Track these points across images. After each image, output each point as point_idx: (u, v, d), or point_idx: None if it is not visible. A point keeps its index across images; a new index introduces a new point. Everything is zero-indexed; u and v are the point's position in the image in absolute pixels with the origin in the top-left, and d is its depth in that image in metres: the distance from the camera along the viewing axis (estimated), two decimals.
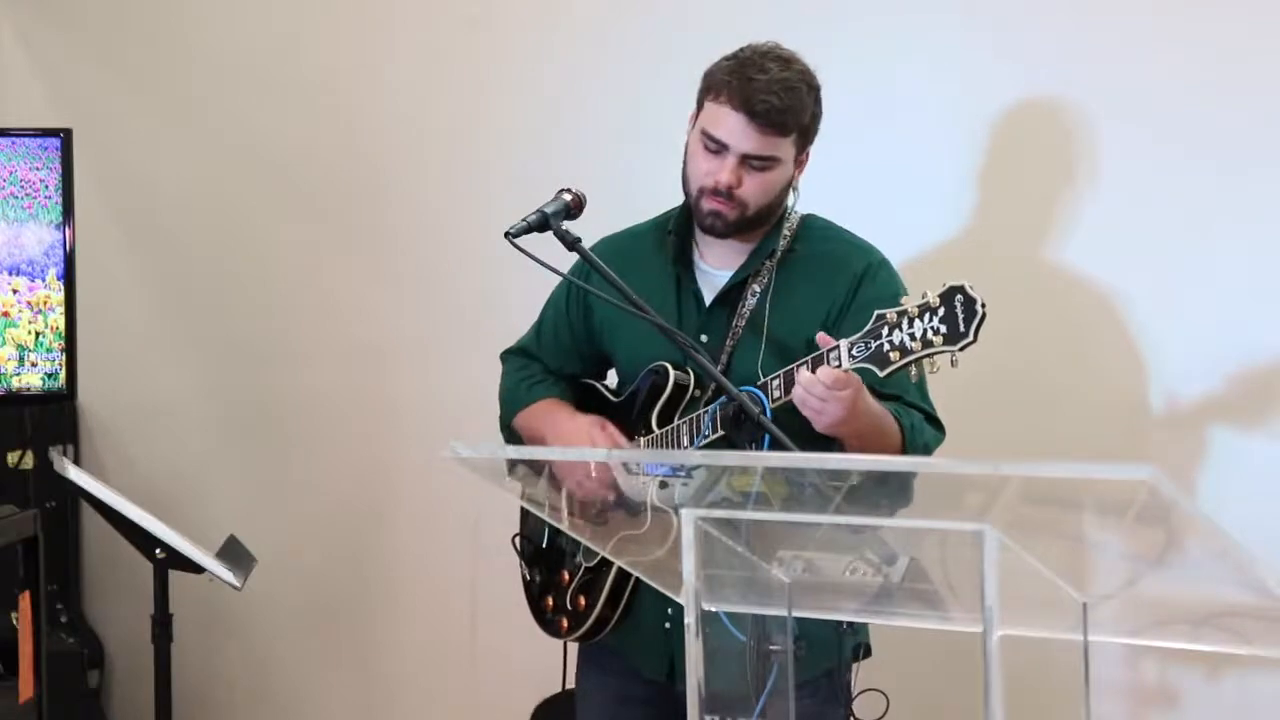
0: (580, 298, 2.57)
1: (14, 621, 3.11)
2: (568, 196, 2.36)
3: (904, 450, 2.29)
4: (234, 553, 3.07)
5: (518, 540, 2.65)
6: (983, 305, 1.98)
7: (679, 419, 2.38)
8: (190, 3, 4.00)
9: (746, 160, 2.33)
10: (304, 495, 3.88)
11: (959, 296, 2.00)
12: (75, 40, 4.06)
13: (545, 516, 2.32)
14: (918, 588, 1.80)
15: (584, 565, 2.50)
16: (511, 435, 2.63)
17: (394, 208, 3.76)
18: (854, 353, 2.11)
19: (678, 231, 2.49)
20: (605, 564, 2.44)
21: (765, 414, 2.17)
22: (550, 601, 2.56)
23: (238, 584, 3.00)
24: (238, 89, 3.90)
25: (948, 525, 1.65)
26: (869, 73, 3.16)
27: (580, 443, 2.41)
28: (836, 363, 2.13)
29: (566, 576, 2.53)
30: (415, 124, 3.72)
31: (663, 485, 1.91)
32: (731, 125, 2.32)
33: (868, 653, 2.39)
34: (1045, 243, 3.05)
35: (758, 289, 2.42)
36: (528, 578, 2.64)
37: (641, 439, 2.42)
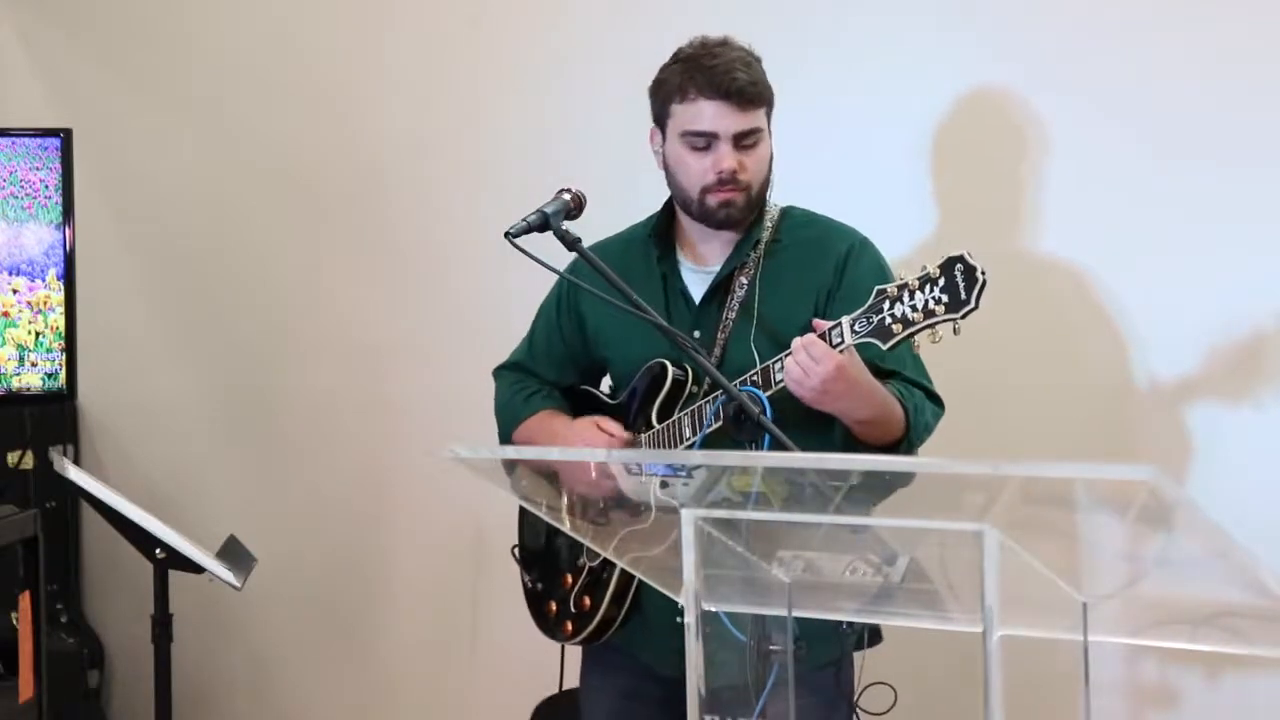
0: (572, 306, 2.58)
1: (14, 621, 3.11)
2: (567, 196, 2.37)
3: (908, 432, 2.31)
4: (234, 553, 3.07)
5: (516, 550, 2.67)
6: (983, 272, 2.00)
7: (679, 413, 2.39)
8: (190, 3, 4.00)
9: (738, 142, 2.37)
10: (304, 495, 3.88)
11: (959, 265, 2.02)
12: (75, 40, 4.06)
13: (546, 517, 2.31)
14: (918, 588, 1.80)
15: (588, 565, 2.50)
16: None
17: (394, 208, 3.76)
18: (856, 328, 2.12)
19: (661, 233, 2.50)
20: (609, 562, 2.44)
21: (765, 414, 2.17)
22: (554, 606, 2.56)
23: (238, 584, 3.00)
24: (238, 89, 3.90)
25: (948, 525, 1.65)
26: (862, 71, 3.17)
27: (578, 445, 2.42)
28: (839, 340, 2.14)
29: (569, 579, 2.53)
30: (415, 124, 3.72)
31: (664, 485, 1.91)
32: (713, 113, 2.35)
33: (876, 639, 2.38)
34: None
35: (745, 280, 2.43)
36: (529, 585, 2.64)
37: (643, 435, 2.43)
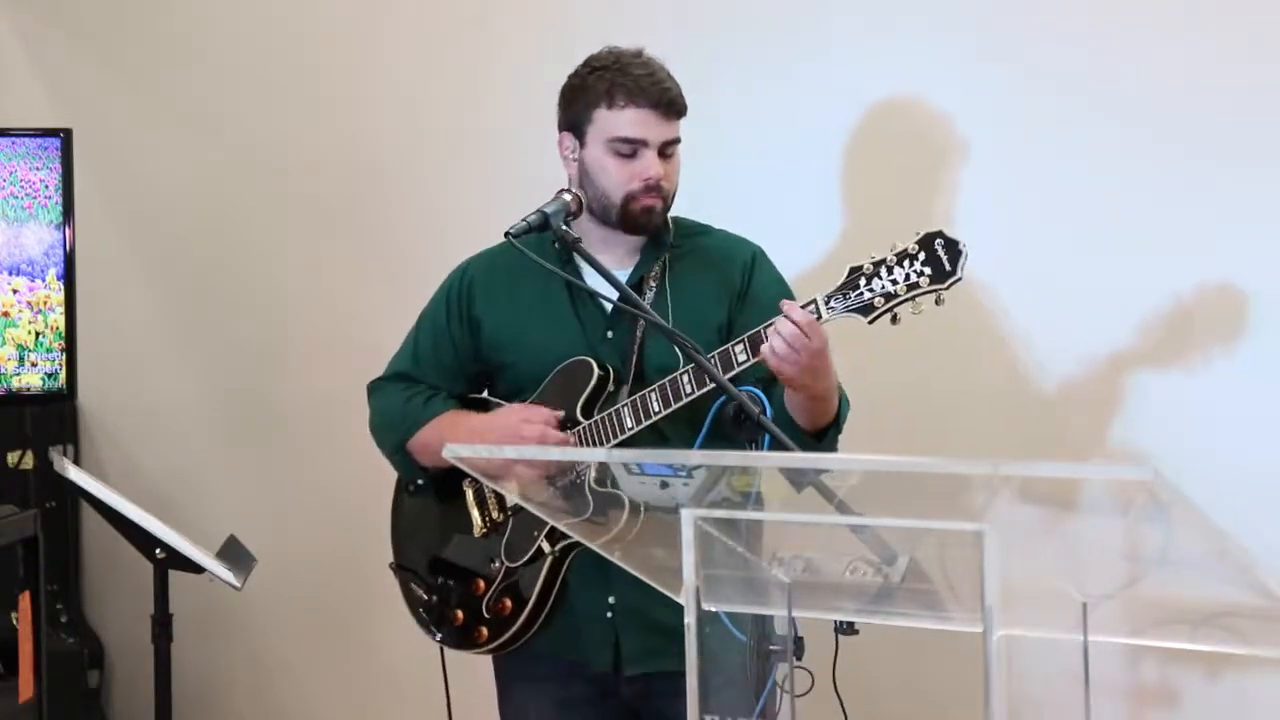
0: (463, 311, 2.57)
1: (14, 621, 3.10)
2: (568, 196, 2.38)
3: (838, 420, 2.38)
4: (234, 553, 3.07)
5: (396, 568, 2.65)
6: (964, 245, 2.12)
7: (599, 412, 2.40)
8: (190, 3, 4.00)
9: (662, 150, 2.42)
10: (304, 495, 3.88)
11: (939, 240, 2.13)
12: (75, 40, 4.06)
13: (546, 517, 2.32)
14: (918, 588, 1.80)
15: (506, 566, 2.48)
16: (407, 458, 2.60)
17: (394, 208, 3.76)
18: (832, 305, 2.19)
19: (561, 241, 2.46)
20: (534, 561, 2.45)
21: (765, 414, 2.17)
22: (460, 614, 2.53)
23: (238, 584, 3.00)
24: (238, 89, 3.90)
25: (948, 525, 1.65)
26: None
27: (517, 425, 2.41)
28: (815, 315, 2.19)
29: (482, 584, 2.51)
30: (415, 124, 3.72)
31: (664, 485, 1.91)
32: (644, 121, 2.40)
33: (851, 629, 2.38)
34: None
35: (654, 284, 2.47)
36: (423, 596, 2.59)
37: (571, 431, 2.42)
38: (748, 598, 1.88)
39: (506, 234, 2.29)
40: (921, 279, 2.13)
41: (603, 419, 2.40)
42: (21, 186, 3.54)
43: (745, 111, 3.18)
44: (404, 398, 2.61)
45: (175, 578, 3.00)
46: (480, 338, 2.56)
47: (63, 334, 3.54)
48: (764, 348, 2.21)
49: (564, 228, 2.34)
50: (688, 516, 1.79)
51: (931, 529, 1.72)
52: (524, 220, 2.31)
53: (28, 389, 3.55)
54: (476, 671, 2.67)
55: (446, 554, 2.58)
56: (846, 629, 2.02)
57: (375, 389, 2.69)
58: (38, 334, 3.54)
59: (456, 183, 3.67)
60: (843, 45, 3.16)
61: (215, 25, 3.94)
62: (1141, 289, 2.89)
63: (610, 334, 2.46)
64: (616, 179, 2.41)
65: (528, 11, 3.60)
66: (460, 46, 3.67)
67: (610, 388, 2.42)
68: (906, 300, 2.14)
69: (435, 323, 2.62)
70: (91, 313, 3.67)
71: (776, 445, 2.13)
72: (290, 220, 3.89)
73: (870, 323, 2.17)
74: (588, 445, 2.39)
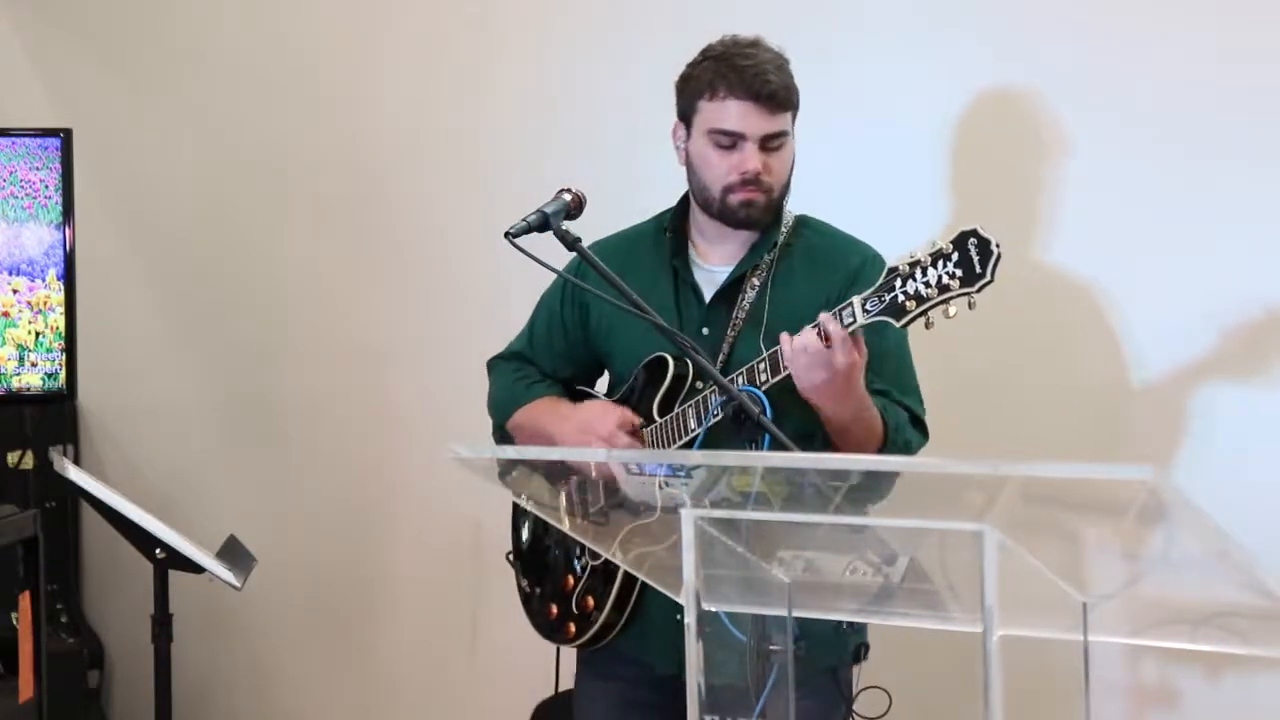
0: (575, 299, 2.57)
1: (14, 621, 3.11)
2: (568, 196, 2.36)
3: (884, 448, 2.30)
4: (234, 553, 3.07)
5: (511, 558, 2.66)
6: (997, 245, 2.01)
7: (680, 407, 2.39)
8: (190, 3, 4.00)
9: (764, 144, 2.37)
10: (304, 495, 3.88)
11: (972, 240, 2.03)
12: (75, 40, 4.06)
13: (546, 517, 2.32)
14: (918, 588, 1.80)
15: (590, 565, 2.49)
16: (504, 437, 2.62)
17: (394, 208, 3.76)
18: (867, 307, 2.12)
19: (675, 230, 2.50)
20: (611, 562, 2.44)
21: (765, 414, 2.17)
22: (554, 609, 2.54)
23: (238, 584, 3.00)
24: (238, 89, 3.90)
25: (948, 525, 1.65)
26: (858, 72, 3.17)
27: (592, 420, 2.41)
28: (850, 319, 2.14)
29: (570, 581, 2.52)
30: (415, 124, 3.72)
31: (664, 485, 1.91)
32: (742, 114, 2.35)
33: (866, 653, 2.40)
34: (1030, 241, 3.05)
35: (756, 282, 2.43)
36: (526, 589, 2.62)
37: (644, 429, 2.42)
38: (748, 598, 1.88)
39: (506, 234, 2.29)
40: (953, 281, 2.03)
41: (669, 420, 2.38)
42: (21, 186, 3.54)
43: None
44: (513, 379, 2.62)
45: (175, 578, 3.01)
46: (588, 325, 2.57)
47: (63, 334, 3.54)
48: (782, 354, 2.18)
49: (563, 228, 2.33)
50: (688, 516, 1.79)
51: (931, 529, 1.72)
52: (524, 220, 2.30)
53: (28, 389, 3.55)
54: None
55: (546, 547, 2.59)
56: (847, 628, 2.03)
57: (492, 366, 2.69)
58: (38, 334, 3.54)
59: (456, 183, 3.67)
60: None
61: (216, 25, 3.94)
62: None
63: (705, 330, 2.44)
64: (716, 171, 2.39)
65: (528, 11, 3.60)
66: (460, 47, 3.67)
67: (697, 384, 2.39)
68: (939, 304, 2.05)
69: (550, 307, 2.62)
70: (91, 313, 3.67)
71: (776, 445, 2.13)
72: (290, 220, 3.89)
73: (900, 326, 2.09)
74: (657, 445, 2.37)
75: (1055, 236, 3.02)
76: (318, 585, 3.88)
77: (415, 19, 3.72)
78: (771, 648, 1.89)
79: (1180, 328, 2.89)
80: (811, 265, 2.45)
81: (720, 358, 2.39)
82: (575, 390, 2.62)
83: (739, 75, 2.35)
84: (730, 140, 2.37)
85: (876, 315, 2.11)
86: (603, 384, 2.64)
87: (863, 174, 3.15)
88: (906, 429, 2.36)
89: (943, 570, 1.79)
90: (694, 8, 3.31)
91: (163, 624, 2.99)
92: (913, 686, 2.42)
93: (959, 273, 2.03)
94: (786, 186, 2.44)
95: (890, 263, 2.12)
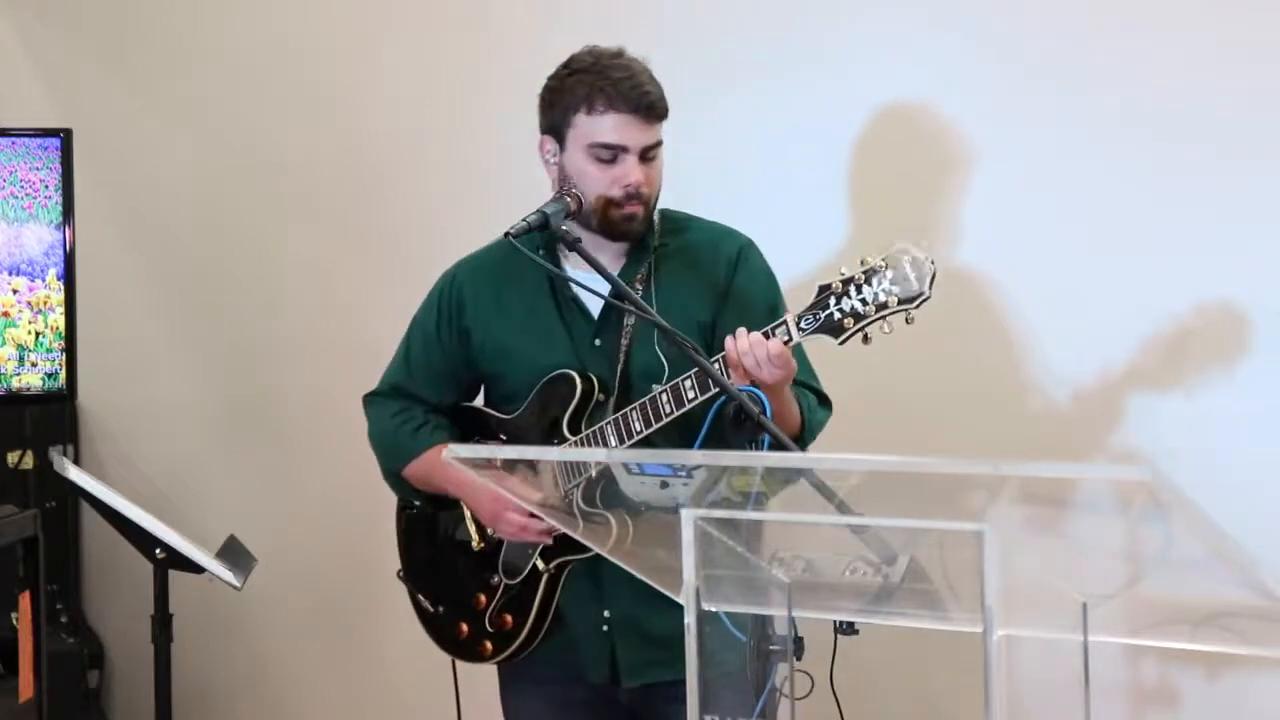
0: (453, 320, 2.55)
1: (14, 621, 3.11)
2: (568, 197, 2.36)
3: (801, 431, 2.35)
4: (234, 553, 3.07)
5: (402, 576, 2.65)
6: (933, 261, 2.06)
7: (586, 426, 2.38)
8: (190, 3, 4.00)
9: (643, 154, 2.37)
10: (304, 495, 3.88)
11: (907, 257, 2.07)
12: (75, 40, 4.06)
13: (547, 516, 2.31)
14: (918, 588, 1.80)
15: (504, 583, 2.48)
16: (397, 482, 2.61)
17: (394, 208, 3.76)
18: (802, 325, 2.16)
19: (547, 248, 2.46)
20: (532, 578, 2.45)
21: (765, 414, 2.17)
22: (465, 628, 2.53)
23: (238, 584, 3.00)
24: (238, 89, 3.90)
25: (948, 525, 1.65)
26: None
27: (493, 515, 2.43)
28: (786, 337, 2.17)
29: (483, 599, 2.51)
30: (415, 124, 3.72)
31: (664, 485, 1.91)
32: (623, 126, 2.35)
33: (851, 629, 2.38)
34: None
35: (640, 287, 2.43)
36: (431, 609, 2.61)
37: (558, 447, 2.40)
38: (748, 598, 1.88)
39: (506, 234, 2.29)
40: (890, 298, 2.07)
41: (587, 437, 2.38)
42: (21, 186, 3.54)
43: (750, 112, 3.17)
44: (395, 423, 2.59)
45: (175, 578, 3.01)
46: (470, 347, 2.54)
47: (63, 334, 3.54)
48: (731, 350, 2.19)
49: (564, 228, 2.33)
50: (688, 516, 1.79)
51: (931, 529, 1.72)
52: (524, 220, 2.31)
53: (28, 389, 3.55)
54: (484, 675, 2.67)
55: (448, 568, 2.58)
56: (846, 629, 2.02)
57: (369, 403, 2.68)
58: (38, 334, 3.54)
59: (456, 183, 3.67)
60: (847, 47, 3.16)
61: (215, 25, 3.94)
62: (1150, 292, 2.88)
63: (598, 341, 2.44)
64: (596, 185, 2.37)
65: (527, 11, 3.60)
66: (460, 46, 3.67)
67: (600, 396, 2.40)
68: (876, 320, 2.09)
69: (425, 331, 2.60)
70: (91, 313, 3.67)
71: (776, 445, 2.13)
72: (290, 220, 3.89)
73: (840, 344, 2.13)
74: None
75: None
76: (318, 585, 3.88)
77: (415, 19, 3.72)
78: (771, 648, 1.89)
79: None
80: (690, 263, 2.47)
81: (619, 366, 2.39)
82: (461, 410, 2.60)
83: (616, 88, 2.34)
84: (611, 154, 2.36)
85: (813, 332, 2.15)
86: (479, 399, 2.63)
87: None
88: (817, 411, 2.42)
89: (943, 570, 1.79)
90: (693, 7, 3.31)
91: (163, 624, 2.98)
92: (912, 687, 2.42)
93: (895, 290, 2.07)
94: (658, 194, 2.44)
95: (822, 280, 2.15)
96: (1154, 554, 1.62)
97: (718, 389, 2.19)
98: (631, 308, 2.31)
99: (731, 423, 2.23)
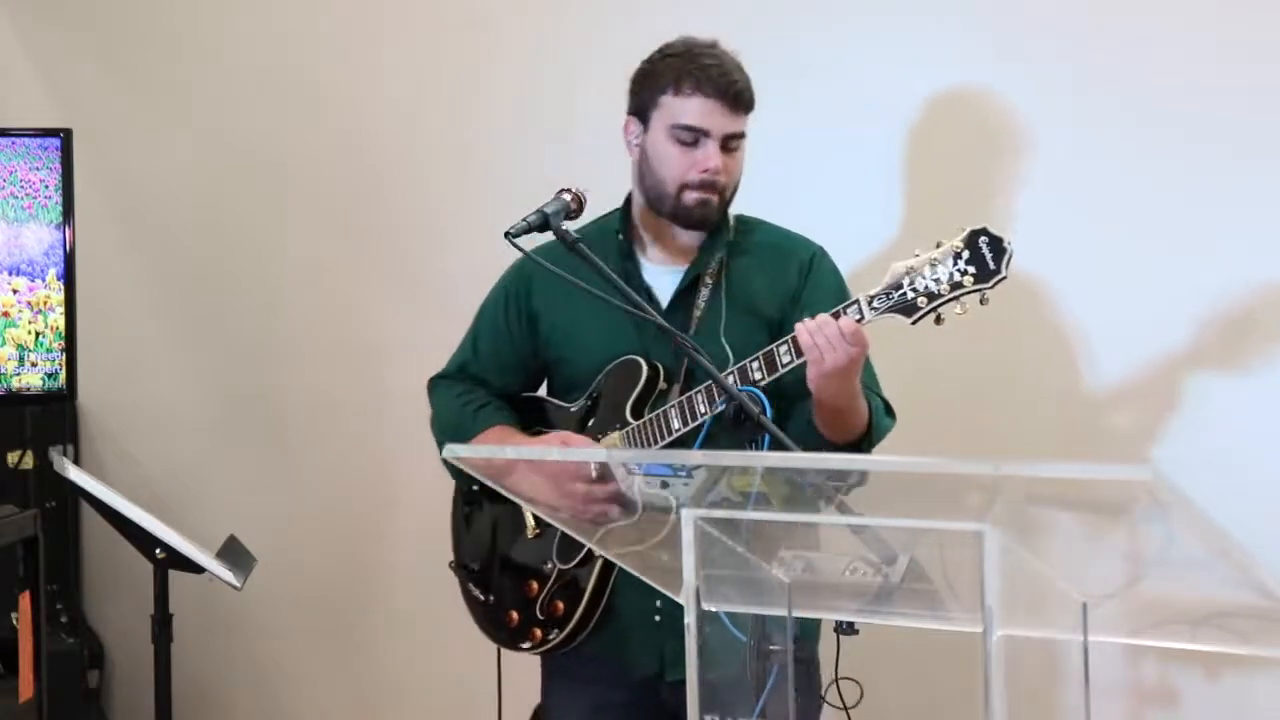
0: (521, 307, 2.55)
1: (14, 621, 3.11)
2: (568, 196, 2.36)
3: (869, 433, 2.34)
4: (234, 553, 3.07)
5: (455, 566, 2.64)
6: (1009, 242, 2.07)
7: (650, 412, 2.38)
8: (191, 3, 4.00)
9: (725, 143, 2.38)
10: (304, 495, 3.88)
11: (983, 237, 2.08)
12: (75, 40, 4.06)
13: (548, 518, 2.32)
14: (918, 588, 1.80)
15: (558, 568, 2.48)
16: (454, 466, 2.60)
17: (394, 208, 3.76)
18: (874, 304, 2.15)
19: (623, 232, 2.49)
20: (585, 564, 2.44)
21: (765, 414, 2.17)
22: (515, 616, 2.53)
23: (238, 584, 3.00)
24: (238, 89, 3.90)
25: (948, 525, 1.65)
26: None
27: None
28: (858, 316, 2.16)
29: (535, 586, 2.50)
30: (415, 124, 3.72)
31: (664, 485, 1.91)
32: (708, 110, 2.36)
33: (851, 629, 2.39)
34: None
35: (710, 280, 2.44)
36: (480, 597, 2.60)
37: (617, 433, 2.41)
38: (748, 598, 1.88)
39: (506, 234, 2.29)
40: (965, 278, 2.08)
41: (650, 420, 2.37)
42: (21, 186, 3.54)
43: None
44: (458, 404, 2.59)
45: (175, 578, 3.00)
46: (538, 332, 2.55)
47: (63, 334, 3.54)
48: (802, 333, 2.17)
49: (563, 228, 2.33)
50: (688, 516, 1.79)
51: (931, 529, 1.72)
52: (524, 220, 2.30)
53: (28, 389, 3.55)
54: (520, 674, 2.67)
55: (501, 555, 2.57)
56: (846, 629, 2.02)
57: (434, 386, 2.68)
58: (38, 334, 3.54)
59: (456, 182, 3.67)
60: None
61: (215, 25, 3.94)
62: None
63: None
64: (675, 167, 2.39)
65: (527, 11, 3.60)
66: (460, 46, 3.67)
67: (662, 385, 2.40)
68: (950, 300, 2.10)
69: (493, 317, 2.60)
70: (91, 313, 3.67)
71: (776, 445, 2.13)
72: (289, 220, 3.89)
73: (913, 323, 2.12)
74: (636, 447, 2.37)
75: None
76: (318, 585, 3.88)
77: (414, 19, 3.71)
78: (771, 648, 1.89)
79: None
80: (763, 262, 2.47)
81: (684, 359, 2.39)
82: (523, 399, 2.60)
83: (706, 73, 2.36)
84: (693, 136, 2.38)
85: (886, 311, 2.14)
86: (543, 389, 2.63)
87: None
88: (883, 415, 2.40)
89: (942, 570, 1.79)
90: (696, 7, 3.31)
91: (163, 624, 2.98)
92: (912, 687, 2.42)
93: (972, 269, 2.08)
94: (736, 188, 2.45)
95: (896, 262, 2.14)
96: (1154, 554, 1.63)
97: (783, 369, 2.20)
98: (635, 310, 2.30)
99: (731, 423, 2.23)
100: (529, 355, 2.57)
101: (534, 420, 2.56)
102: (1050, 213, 2.97)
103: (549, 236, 2.35)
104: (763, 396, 2.22)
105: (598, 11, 3.50)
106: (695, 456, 2.13)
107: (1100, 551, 1.69)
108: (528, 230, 2.31)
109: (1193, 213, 2.90)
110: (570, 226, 2.36)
